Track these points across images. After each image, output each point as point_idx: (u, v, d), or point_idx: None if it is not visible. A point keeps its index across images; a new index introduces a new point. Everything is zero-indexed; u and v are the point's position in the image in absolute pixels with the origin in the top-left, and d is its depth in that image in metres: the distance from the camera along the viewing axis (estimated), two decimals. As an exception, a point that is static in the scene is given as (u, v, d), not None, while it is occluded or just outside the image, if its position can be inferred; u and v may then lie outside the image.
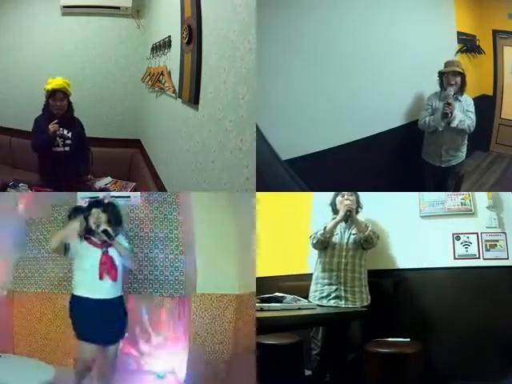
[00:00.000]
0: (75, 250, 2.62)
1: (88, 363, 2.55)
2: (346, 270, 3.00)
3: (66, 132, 3.43)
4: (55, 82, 3.34)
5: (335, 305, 2.94)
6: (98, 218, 2.63)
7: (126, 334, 2.83)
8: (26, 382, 2.24)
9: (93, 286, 2.56)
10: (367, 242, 3.01)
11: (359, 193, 3.15)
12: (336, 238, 3.05)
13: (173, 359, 3.34)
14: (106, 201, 2.76)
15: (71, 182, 3.63)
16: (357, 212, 3.09)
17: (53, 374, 2.34)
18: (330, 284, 3.01)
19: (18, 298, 3.52)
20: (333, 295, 2.99)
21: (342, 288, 2.98)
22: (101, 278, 2.55)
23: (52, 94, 3.34)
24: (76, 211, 2.72)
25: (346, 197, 3.05)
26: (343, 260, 3.02)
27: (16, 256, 3.63)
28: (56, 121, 3.32)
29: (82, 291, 2.60)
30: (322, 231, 3.00)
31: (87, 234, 2.64)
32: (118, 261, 2.64)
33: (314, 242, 3.03)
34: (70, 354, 3.37)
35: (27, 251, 3.65)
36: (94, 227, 2.62)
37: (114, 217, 2.69)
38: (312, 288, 3.09)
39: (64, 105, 3.39)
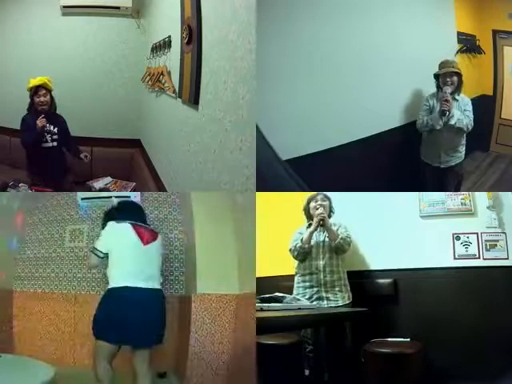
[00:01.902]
0: None
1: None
2: (325, 272, 3.05)
3: (52, 128, 3.55)
4: (37, 80, 3.46)
5: (317, 306, 2.96)
6: None
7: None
8: (25, 381, 2.24)
9: None
10: (338, 249, 3.07)
11: (358, 194, 3.15)
12: (312, 242, 3.08)
13: (173, 359, 3.34)
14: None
15: (61, 178, 3.73)
16: (330, 216, 3.13)
17: (53, 373, 2.33)
18: (311, 286, 3.06)
19: (18, 298, 3.52)
20: (315, 297, 3.03)
21: (323, 289, 3.03)
22: None
23: (35, 91, 3.46)
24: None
25: (318, 202, 3.09)
26: (321, 262, 3.06)
27: (16, 256, 3.64)
28: (43, 115, 3.43)
29: None
30: (300, 244, 3.06)
31: None
32: None
33: (295, 254, 3.10)
34: (70, 353, 3.39)
35: (27, 251, 3.66)
36: None
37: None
38: (294, 291, 3.13)
39: (47, 100, 3.50)
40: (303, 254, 3.08)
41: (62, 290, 3.51)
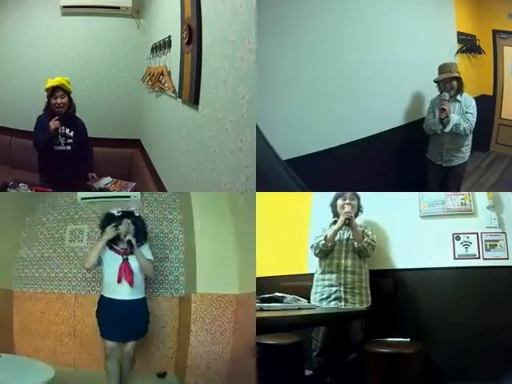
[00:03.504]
0: (104, 257, 2.87)
1: (113, 358, 2.79)
2: (346, 272, 2.99)
3: (67, 131, 3.40)
4: (54, 80, 3.32)
5: (335, 306, 2.93)
6: (128, 228, 2.87)
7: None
8: (25, 382, 2.24)
9: (114, 288, 2.83)
10: (361, 251, 3.02)
11: (360, 194, 3.14)
12: (335, 238, 3.04)
13: (173, 359, 3.34)
14: (136, 214, 3.01)
15: (73, 182, 3.61)
16: (357, 215, 3.09)
17: (53, 374, 2.34)
18: (331, 285, 3.01)
19: (18, 298, 3.52)
20: (333, 297, 2.98)
21: (342, 289, 2.97)
22: (119, 281, 2.80)
23: (52, 92, 3.32)
24: (109, 218, 2.95)
25: (347, 201, 3.04)
26: (343, 261, 3.01)
27: (16, 256, 3.64)
28: (57, 117, 3.29)
29: (106, 292, 2.87)
30: (324, 241, 2.99)
31: (112, 241, 2.88)
32: (136, 268, 2.85)
33: (317, 251, 3.03)
34: (70, 353, 3.39)
35: (27, 251, 3.66)
36: (121, 236, 2.85)
37: (142, 230, 2.96)
38: (313, 290, 3.09)
39: (64, 102, 3.35)
40: (324, 252, 3.01)
41: (61, 290, 3.51)
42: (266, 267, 3.50)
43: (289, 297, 2.53)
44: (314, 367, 3.11)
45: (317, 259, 3.12)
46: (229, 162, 2.16)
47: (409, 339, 2.97)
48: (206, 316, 2.96)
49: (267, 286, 3.04)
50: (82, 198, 3.67)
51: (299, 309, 2.37)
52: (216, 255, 3.01)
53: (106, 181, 4.23)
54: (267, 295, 2.43)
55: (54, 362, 2.95)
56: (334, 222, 3.08)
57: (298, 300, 2.67)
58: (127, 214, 2.96)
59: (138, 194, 3.69)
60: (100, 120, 4.90)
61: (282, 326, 1.96)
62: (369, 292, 3.05)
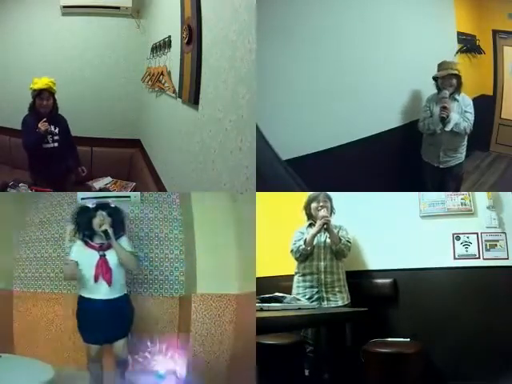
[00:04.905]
0: (77, 254, 2.73)
1: (96, 362, 2.74)
2: (326, 272, 3.05)
3: (53, 128, 3.53)
4: (41, 82, 3.43)
5: (317, 306, 2.96)
6: (102, 220, 2.72)
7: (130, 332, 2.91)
8: (25, 382, 2.24)
9: (91, 287, 2.70)
10: (338, 253, 3.06)
11: (354, 194, 3.15)
12: (314, 243, 3.07)
13: (173, 359, 3.34)
14: (112, 205, 2.86)
15: (63, 178, 3.74)
16: (330, 215, 3.10)
17: (53, 374, 2.34)
18: (312, 286, 3.06)
19: (18, 298, 3.52)
20: (315, 297, 3.03)
21: (323, 289, 3.03)
22: (95, 280, 2.67)
23: (38, 93, 3.44)
24: (82, 211, 2.83)
25: (321, 204, 3.07)
26: (322, 263, 3.06)
27: (16, 256, 3.64)
28: (45, 119, 3.42)
29: (84, 292, 2.74)
30: (303, 246, 3.03)
31: (88, 235, 2.75)
32: (114, 264, 2.72)
33: (298, 256, 3.09)
34: (70, 354, 3.39)
35: (27, 251, 3.66)
36: (96, 228, 2.71)
37: (118, 221, 2.81)
38: (294, 291, 3.12)
39: (50, 103, 3.49)
40: (305, 256, 3.07)
41: (61, 290, 3.51)
42: (266, 267, 3.50)
43: (289, 297, 2.54)
44: (310, 364, 3.14)
45: (297, 262, 3.16)
46: (229, 162, 2.16)
47: (409, 339, 2.98)
48: (206, 316, 2.96)
49: (267, 286, 3.04)
50: (82, 198, 3.67)
51: (299, 309, 2.38)
52: (216, 255, 3.00)
53: (106, 181, 4.24)
54: (267, 295, 2.43)
55: (53, 362, 2.94)
56: (310, 225, 3.12)
57: (298, 300, 2.68)
58: (102, 206, 2.81)
59: (137, 194, 3.68)
60: (100, 120, 4.90)
61: (282, 326, 1.97)
62: (347, 289, 3.11)
